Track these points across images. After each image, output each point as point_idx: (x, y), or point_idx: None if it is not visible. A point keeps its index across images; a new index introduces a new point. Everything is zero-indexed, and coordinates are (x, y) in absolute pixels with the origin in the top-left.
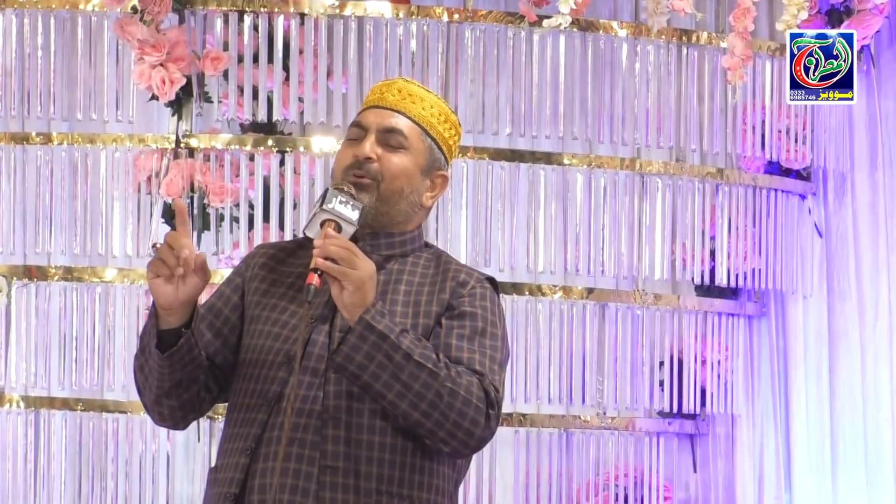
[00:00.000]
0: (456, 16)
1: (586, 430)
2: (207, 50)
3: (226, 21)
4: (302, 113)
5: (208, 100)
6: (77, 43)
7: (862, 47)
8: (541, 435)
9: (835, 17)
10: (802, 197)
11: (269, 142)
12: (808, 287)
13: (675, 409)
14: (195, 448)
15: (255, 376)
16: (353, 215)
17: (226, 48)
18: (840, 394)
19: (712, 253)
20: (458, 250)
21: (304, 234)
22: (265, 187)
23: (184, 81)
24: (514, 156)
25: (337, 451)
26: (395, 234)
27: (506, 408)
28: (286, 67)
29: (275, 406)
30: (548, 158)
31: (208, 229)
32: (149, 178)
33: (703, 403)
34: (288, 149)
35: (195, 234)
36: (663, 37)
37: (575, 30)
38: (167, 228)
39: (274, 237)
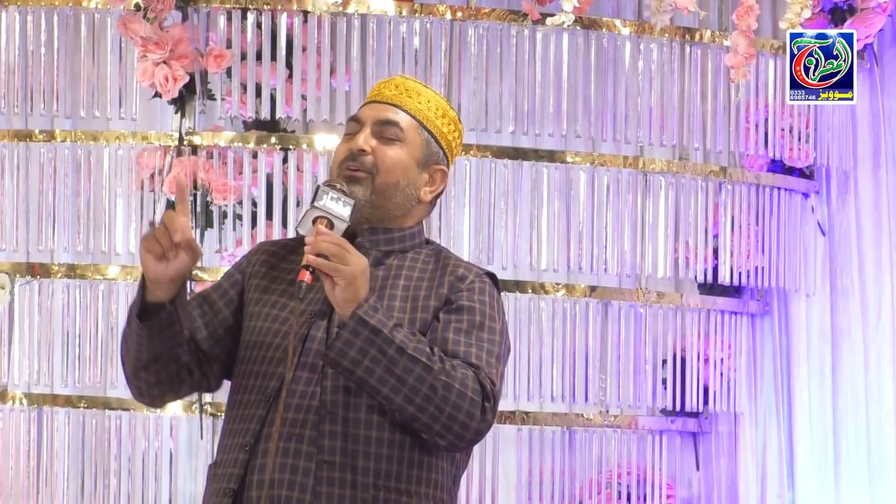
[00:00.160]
0: (459, 14)
1: (589, 428)
2: (210, 47)
3: (229, 18)
4: (305, 110)
5: (211, 97)
6: (80, 40)
7: (865, 46)
8: (543, 433)
9: (838, 15)
10: (805, 195)
11: (272, 139)
12: (811, 285)
13: (677, 408)
14: (198, 445)
15: (253, 372)
16: (345, 212)
17: (229, 45)
18: (843, 392)
19: (715, 251)
20: (461, 248)
21: (297, 231)
22: (268, 185)
23: (187, 79)
24: (518, 154)
25: (334, 446)
26: (393, 229)
27: (509, 406)
28: (289, 65)
29: (273, 402)
30: (551, 156)
31: (211, 227)
32: (152, 176)
33: (705, 401)
34: (291, 146)
35: (198, 231)
36: (666, 35)
37: (578, 28)
38: None
39: (277, 235)
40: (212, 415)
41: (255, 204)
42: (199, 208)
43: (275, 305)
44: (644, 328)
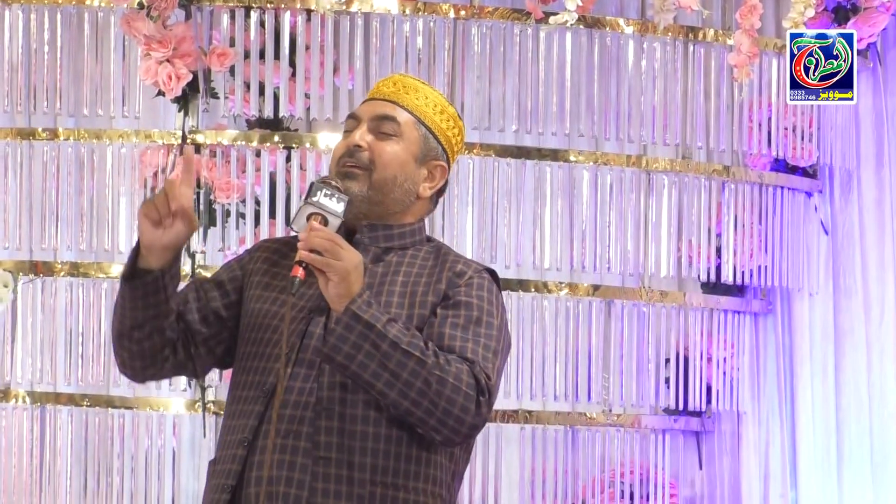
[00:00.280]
0: (462, 12)
1: (592, 427)
2: (214, 46)
3: (232, 17)
4: (308, 109)
5: (214, 96)
6: (83, 39)
7: (868, 45)
8: (546, 432)
9: (841, 14)
10: (808, 194)
11: (276, 138)
12: (814, 284)
13: (680, 407)
14: (201, 444)
15: (252, 368)
16: (339, 208)
17: (232, 44)
18: (846, 391)
19: (718, 250)
20: (464, 247)
21: (292, 228)
22: (271, 183)
23: (190, 77)
24: (521, 152)
25: (330, 442)
26: (393, 225)
27: (512, 405)
28: (292, 63)
29: (272, 398)
30: (554, 155)
31: (214, 225)
32: (155, 174)
33: (708, 400)
34: (294, 145)
35: (201, 230)
36: (670, 34)
37: (581, 27)
38: None
39: (280, 233)
40: (214, 413)
41: (258, 202)
42: (202, 207)
43: (275, 302)
44: (647, 327)
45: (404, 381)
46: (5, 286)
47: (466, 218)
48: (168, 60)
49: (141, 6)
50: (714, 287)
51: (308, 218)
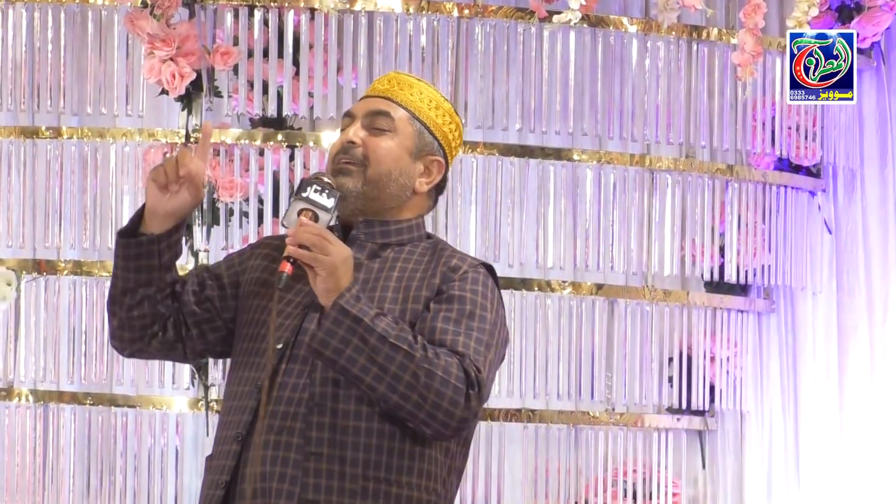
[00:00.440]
0: (466, 11)
1: (595, 426)
2: (217, 44)
3: (236, 16)
4: (312, 108)
5: (218, 94)
6: (87, 37)
7: (872, 44)
8: (549, 431)
9: (845, 13)
10: (812, 193)
11: (279, 136)
12: (818, 283)
13: (683, 406)
14: (204, 442)
15: (247, 364)
16: (329, 203)
17: (236, 43)
18: (849, 390)
19: (722, 249)
20: (468, 245)
21: (283, 225)
22: (275, 182)
23: (194, 76)
24: (524, 151)
25: (321, 437)
26: (389, 221)
27: (515, 403)
28: (296, 62)
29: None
30: (557, 154)
31: (218, 224)
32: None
33: (711, 400)
34: (297, 143)
35: (204, 228)
36: (673, 33)
37: (585, 25)
38: None
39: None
40: (217, 412)
41: (261, 201)
42: (205, 205)
43: (271, 298)
44: (650, 326)
45: (393, 374)
46: (8, 284)
47: (470, 217)
48: (172, 59)
49: (144, 5)
50: (717, 286)
51: (299, 214)
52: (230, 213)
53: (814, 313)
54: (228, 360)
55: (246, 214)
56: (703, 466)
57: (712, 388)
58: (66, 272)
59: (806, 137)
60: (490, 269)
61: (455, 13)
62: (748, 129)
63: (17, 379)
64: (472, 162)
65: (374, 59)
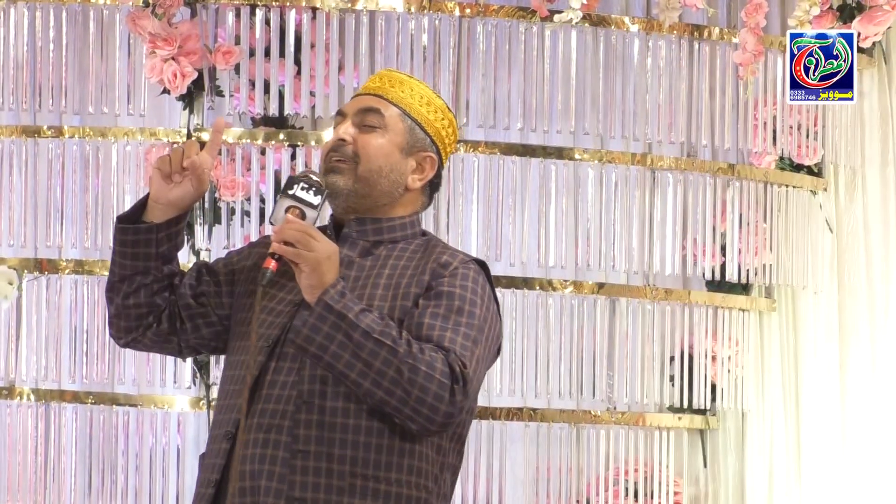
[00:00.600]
0: (468, 10)
1: (596, 424)
2: (219, 44)
3: (237, 15)
4: (313, 107)
5: (220, 94)
6: (89, 36)
7: (874, 43)
8: (551, 429)
9: (847, 12)
10: (813, 192)
11: (281, 136)
12: (819, 282)
13: (685, 404)
14: (205, 441)
15: (238, 362)
16: (315, 200)
17: (237, 42)
18: (850, 389)
19: (723, 248)
20: (469, 244)
21: (270, 222)
22: (276, 181)
23: (195, 75)
24: (526, 150)
25: (309, 435)
26: (382, 219)
27: (516, 402)
28: (298, 61)
29: (255, 392)
30: (559, 153)
31: (219, 223)
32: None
33: (713, 398)
34: (299, 143)
35: (206, 228)
36: (675, 32)
37: (586, 25)
38: None
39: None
40: None
41: (263, 200)
42: (207, 205)
43: (265, 296)
44: (652, 325)
45: (377, 370)
46: (10, 284)
47: (471, 216)
48: (173, 58)
49: (146, 4)
50: (719, 285)
51: (286, 211)
52: (232, 212)
53: (815, 312)
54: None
55: (247, 213)
56: (705, 465)
57: (714, 387)
58: (67, 271)
59: (807, 136)
60: (482, 265)
61: (456, 12)
62: (749, 129)
63: (18, 378)
64: (474, 161)
65: (376, 59)
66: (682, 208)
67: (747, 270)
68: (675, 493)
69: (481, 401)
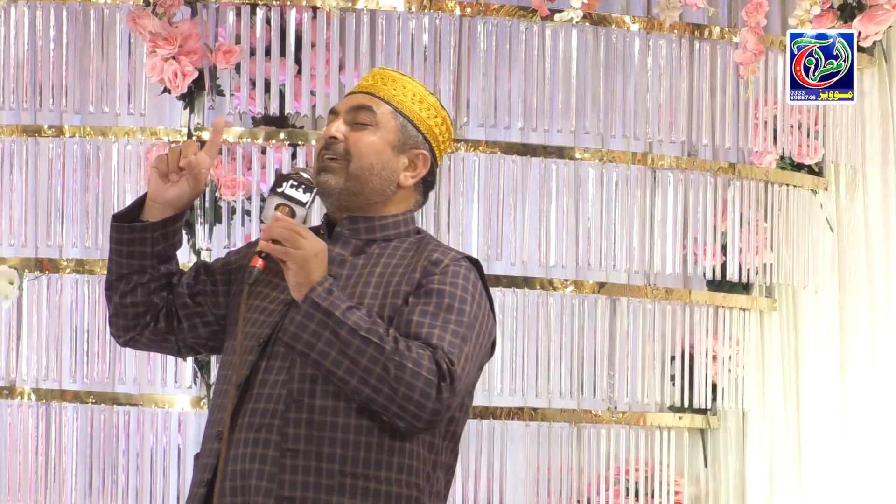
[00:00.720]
0: (468, 10)
1: (597, 424)
2: (220, 43)
3: (238, 14)
4: (314, 106)
5: (220, 93)
6: (89, 36)
7: (874, 42)
8: (552, 429)
9: (847, 12)
10: (814, 192)
11: (281, 135)
12: (820, 282)
13: (686, 404)
14: None
15: (230, 362)
16: (304, 197)
17: (238, 41)
18: (851, 389)
19: (724, 247)
20: (470, 244)
21: (260, 220)
22: None
23: (196, 74)
24: (526, 150)
25: (298, 434)
26: (374, 217)
27: (517, 402)
28: (298, 61)
29: (245, 392)
30: (560, 153)
31: (220, 222)
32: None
33: (714, 398)
34: (300, 142)
35: (207, 227)
36: (675, 31)
37: (587, 24)
38: None
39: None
40: None
41: (263, 200)
42: (207, 204)
43: (258, 296)
44: (652, 324)
45: (363, 367)
46: (11, 283)
47: (472, 215)
48: (174, 58)
49: (147, 3)
50: (719, 284)
51: (276, 209)
52: (232, 211)
53: (816, 311)
54: None
55: (248, 213)
56: (706, 465)
57: (714, 387)
58: (68, 271)
59: (808, 135)
60: (475, 263)
61: (457, 11)
62: (750, 128)
63: (19, 377)
64: (475, 160)
65: (377, 58)
66: (683, 207)
67: (748, 270)
68: (676, 493)
69: (482, 400)
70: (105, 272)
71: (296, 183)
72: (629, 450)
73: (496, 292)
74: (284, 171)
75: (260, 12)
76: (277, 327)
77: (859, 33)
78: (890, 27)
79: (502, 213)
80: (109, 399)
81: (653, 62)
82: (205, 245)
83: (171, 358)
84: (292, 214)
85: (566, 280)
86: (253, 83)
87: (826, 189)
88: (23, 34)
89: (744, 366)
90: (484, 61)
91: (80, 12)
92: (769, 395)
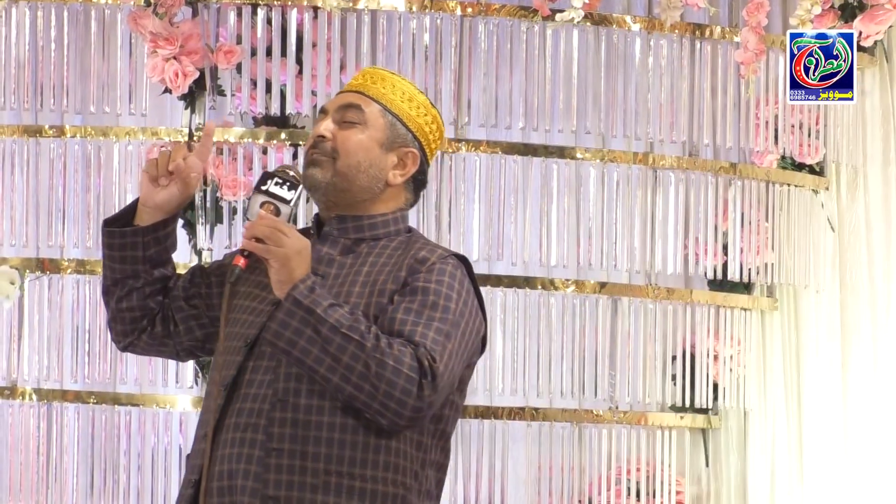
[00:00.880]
0: (469, 10)
1: (598, 424)
2: (220, 43)
3: (239, 14)
4: (315, 106)
5: (221, 93)
6: (90, 36)
7: (875, 42)
8: (553, 429)
9: (848, 11)
10: (815, 191)
11: (282, 135)
12: (821, 281)
13: (687, 404)
14: None
15: (220, 363)
16: (289, 195)
17: (239, 41)
18: (852, 388)
19: (725, 247)
20: (471, 244)
21: (246, 218)
22: None
23: (197, 75)
24: (527, 150)
25: (283, 433)
26: (362, 216)
27: (518, 402)
28: (299, 61)
29: (232, 392)
30: (561, 152)
31: (221, 222)
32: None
33: (715, 398)
34: (301, 142)
35: (208, 227)
36: (676, 31)
37: (588, 24)
38: (180, 221)
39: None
40: None
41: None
42: (208, 204)
43: (247, 297)
44: (654, 324)
45: (345, 365)
46: (12, 283)
47: (473, 215)
48: (175, 58)
49: (147, 3)
50: (721, 284)
51: (261, 207)
52: (233, 211)
53: (817, 311)
54: None
55: None
56: (707, 464)
57: (716, 386)
58: (69, 271)
59: (809, 135)
60: (463, 260)
61: (458, 11)
62: (751, 127)
63: (20, 377)
64: (476, 160)
65: (378, 58)
66: (684, 207)
67: (749, 269)
68: (678, 493)
69: (483, 400)
70: None
71: (281, 181)
72: (630, 449)
73: (497, 292)
74: (270, 170)
75: (261, 12)
76: (264, 327)
77: (860, 33)
78: (891, 27)
79: (503, 213)
80: (111, 399)
81: (654, 62)
82: (206, 245)
83: None
84: (277, 212)
85: (567, 280)
86: (254, 83)
87: (827, 189)
88: (24, 34)
89: (745, 365)
90: (485, 61)
91: (81, 12)
92: (770, 394)
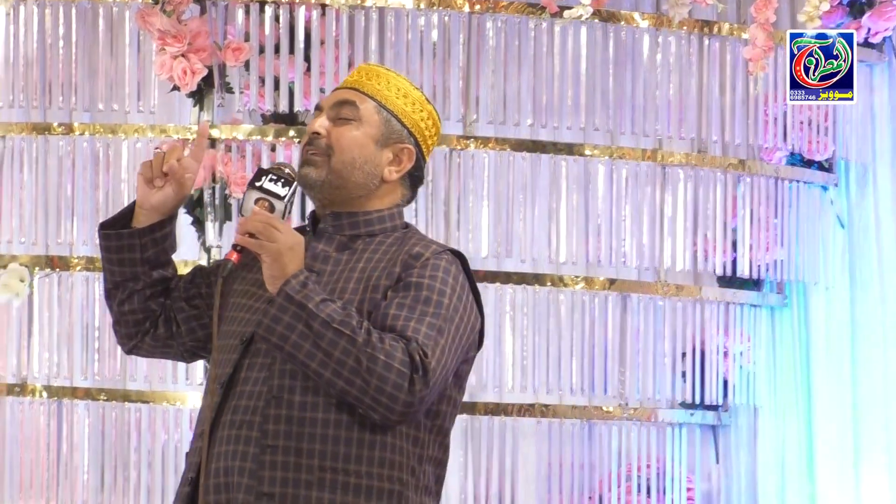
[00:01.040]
0: (477, 7)
1: (608, 420)
2: (229, 40)
3: (247, 12)
4: None
5: (229, 90)
6: (98, 34)
7: (884, 39)
8: (563, 426)
9: (856, 8)
10: (824, 188)
11: (291, 132)
12: (830, 278)
13: (697, 400)
14: None
15: (217, 360)
16: (282, 191)
17: (247, 39)
18: (862, 384)
19: (734, 244)
20: (480, 241)
21: (240, 215)
22: None
23: (205, 72)
24: (536, 147)
25: (278, 430)
26: (358, 213)
27: (528, 399)
28: (307, 58)
29: (229, 390)
30: (569, 149)
31: (230, 220)
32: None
33: (725, 394)
34: None
35: (217, 224)
36: (685, 28)
37: (596, 21)
38: (189, 219)
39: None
40: None
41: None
42: (217, 201)
43: (244, 295)
44: (663, 321)
45: (336, 360)
46: (21, 281)
47: (482, 212)
48: (183, 55)
49: (156, 1)
50: (730, 281)
51: (255, 203)
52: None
53: (827, 308)
54: None
55: None
56: (717, 461)
57: (725, 383)
58: (78, 268)
59: (818, 132)
60: (458, 255)
61: (466, 9)
62: (760, 124)
63: (31, 375)
64: (484, 157)
65: (385, 55)
66: (693, 204)
67: (758, 266)
68: (688, 489)
69: (493, 397)
70: None
71: (275, 177)
72: (640, 446)
73: (506, 289)
74: (265, 166)
75: (269, 10)
76: (264, 324)
77: (869, 29)
78: None
79: (512, 210)
80: (121, 396)
81: (662, 59)
82: (215, 243)
83: None
84: (271, 209)
85: (577, 277)
86: (262, 80)
87: (836, 185)
88: (32, 32)
89: (755, 362)
90: (493, 58)
91: (90, 10)
92: (780, 391)
